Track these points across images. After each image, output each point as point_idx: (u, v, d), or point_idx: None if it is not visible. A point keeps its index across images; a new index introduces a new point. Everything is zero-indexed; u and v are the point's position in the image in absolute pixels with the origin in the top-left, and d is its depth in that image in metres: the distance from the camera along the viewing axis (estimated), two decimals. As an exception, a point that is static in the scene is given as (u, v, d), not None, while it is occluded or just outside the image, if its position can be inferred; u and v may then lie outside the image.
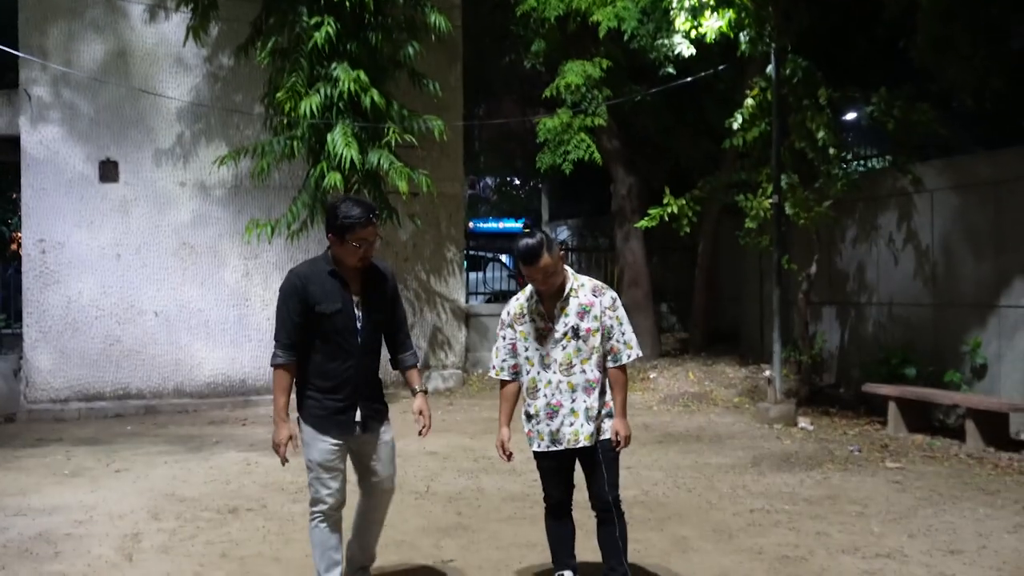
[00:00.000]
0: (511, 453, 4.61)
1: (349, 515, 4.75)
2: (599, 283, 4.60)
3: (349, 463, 4.63)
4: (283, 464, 4.55)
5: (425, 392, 4.76)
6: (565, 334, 4.43)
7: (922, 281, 10.79)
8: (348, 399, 4.45)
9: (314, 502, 4.53)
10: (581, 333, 4.42)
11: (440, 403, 12.23)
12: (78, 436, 10.27)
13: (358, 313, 4.45)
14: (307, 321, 4.39)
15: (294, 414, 4.54)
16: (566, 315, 4.44)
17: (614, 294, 4.58)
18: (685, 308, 16.12)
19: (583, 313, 4.43)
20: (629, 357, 4.49)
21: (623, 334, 4.48)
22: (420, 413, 4.65)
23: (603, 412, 4.45)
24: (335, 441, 4.46)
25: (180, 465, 8.57)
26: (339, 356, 4.43)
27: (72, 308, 12.00)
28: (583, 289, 4.50)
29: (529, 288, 4.58)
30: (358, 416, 4.48)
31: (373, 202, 4.70)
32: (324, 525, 4.53)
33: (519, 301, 4.61)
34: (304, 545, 5.86)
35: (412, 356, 4.77)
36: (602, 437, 4.44)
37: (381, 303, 4.56)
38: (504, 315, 4.63)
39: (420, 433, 4.69)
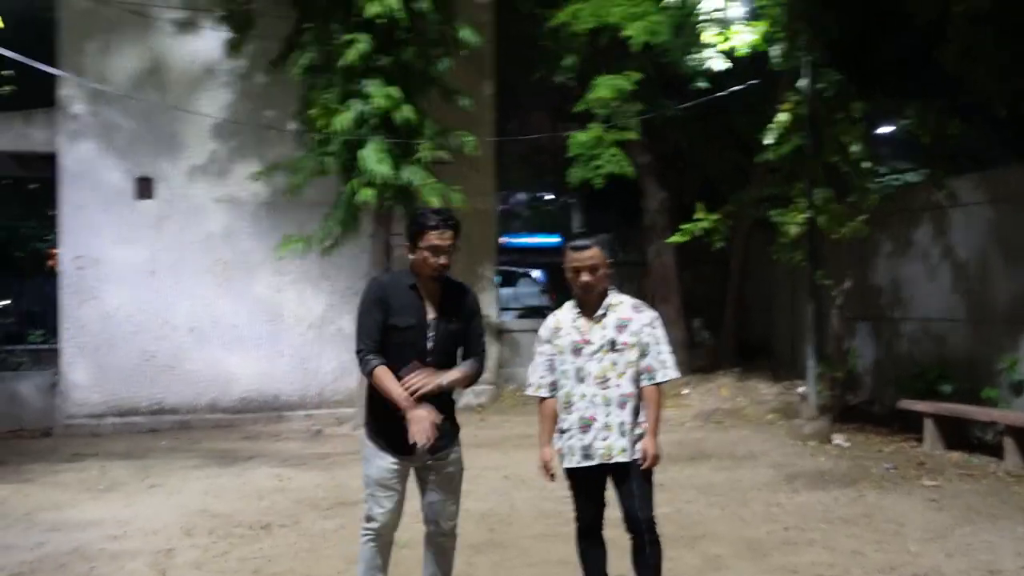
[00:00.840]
0: (554, 473, 4.57)
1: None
2: (639, 301, 4.61)
3: (412, 485, 4.53)
4: (434, 428, 4.21)
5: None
6: (602, 347, 4.42)
7: (958, 296, 10.66)
8: None
9: (367, 519, 4.44)
10: (618, 346, 4.41)
11: (472, 419, 12.22)
12: (113, 451, 10.39)
13: (431, 332, 4.35)
14: (383, 330, 4.32)
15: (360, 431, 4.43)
16: (604, 328, 4.45)
17: (655, 313, 4.57)
18: (717, 322, 16.02)
19: (621, 327, 4.44)
20: (665, 377, 4.48)
21: (660, 353, 4.47)
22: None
23: (637, 431, 4.43)
24: (394, 459, 4.35)
25: (213, 481, 8.64)
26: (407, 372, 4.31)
27: (108, 324, 12.14)
28: (622, 305, 4.52)
29: (567, 304, 4.59)
30: None
31: (451, 212, 4.54)
32: (373, 544, 4.44)
33: (557, 316, 4.62)
34: (336, 562, 5.91)
35: (474, 361, 4.49)
36: (636, 456, 4.41)
37: (457, 322, 4.43)
38: (542, 331, 4.63)
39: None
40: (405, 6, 10.90)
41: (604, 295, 4.51)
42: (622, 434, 4.39)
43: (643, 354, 4.44)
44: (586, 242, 4.48)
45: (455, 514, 4.55)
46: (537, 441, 4.64)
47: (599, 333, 4.45)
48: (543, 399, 4.60)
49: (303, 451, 10.30)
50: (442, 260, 4.30)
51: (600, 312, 4.47)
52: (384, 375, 4.25)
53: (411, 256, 4.35)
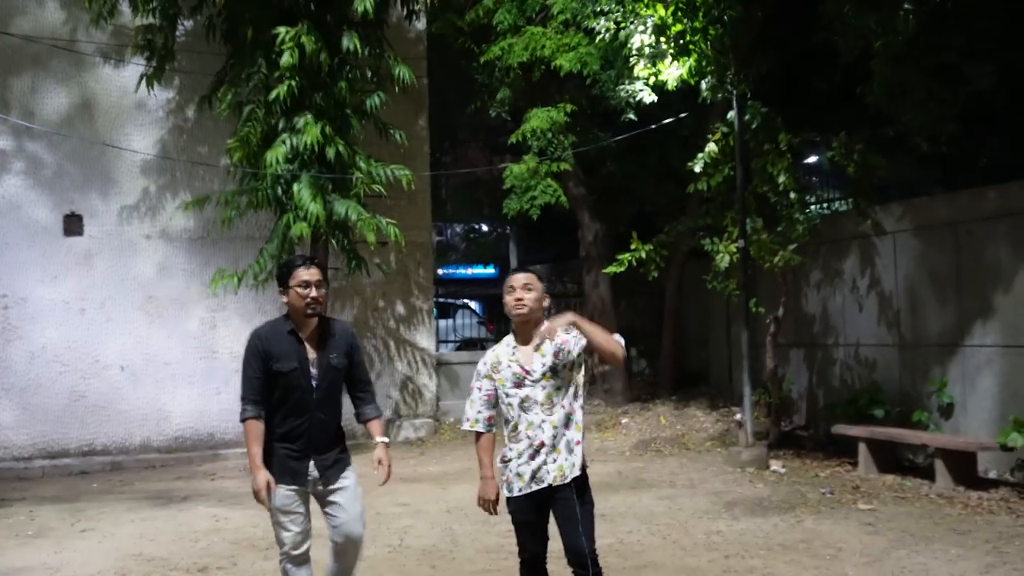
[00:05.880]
0: (496, 508, 4.56)
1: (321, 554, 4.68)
2: (569, 326, 4.61)
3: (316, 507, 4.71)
4: (269, 510, 4.59)
5: (386, 443, 4.79)
6: (544, 374, 4.43)
7: (887, 322, 10.89)
8: (302, 451, 4.58)
9: (278, 544, 4.67)
10: (560, 372, 4.44)
11: (412, 453, 12.15)
12: (42, 495, 10.09)
13: (313, 371, 4.59)
14: (266, 378, 4.56)
15: None
16: (543, 355, 4.45)
17: None
18: (654, 352, 16.15)
19: (559, 352, 4.46)
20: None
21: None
22: (379, 463, 4.70)
23: (578, 448, 4.43)
24: (291, 487, 4.57)
25: (147, 523, 8.43)
26: (295, 411, 4.57)
27: (36, 364, 11.84)
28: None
29: (505, 339, 4.59)
30: (312, 469, 4.59)
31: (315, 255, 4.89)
32: (289, 565, 4.69)
33: (495, 351, 4.62)
34: (275, 604, 5.78)
35: (374, 409, 4.84)
36: (576, 474, 4.41)
37: (338, 360, 4.66)
38: (480, 366, 4.63)
39: (381, 484, 4.73)
40: (327, 45, 10.87)
41: (540, 325, 4.53)
42: (570, 451, 4.40)
43: (586, 347, 4.45)
44: (525, 267, 4.61)
45: (360, 537, 4.72)
46: (479, 475, 4.62)
47: (539, 361, 4.45)
48: (480, 434, 4.59)
49: (239, 490, 10.08)
50: (312, 293, 4.57)
51: (537, 340, 4.49)
52: (250, 429, 4.53)
53: (286, 300, 4.62)
